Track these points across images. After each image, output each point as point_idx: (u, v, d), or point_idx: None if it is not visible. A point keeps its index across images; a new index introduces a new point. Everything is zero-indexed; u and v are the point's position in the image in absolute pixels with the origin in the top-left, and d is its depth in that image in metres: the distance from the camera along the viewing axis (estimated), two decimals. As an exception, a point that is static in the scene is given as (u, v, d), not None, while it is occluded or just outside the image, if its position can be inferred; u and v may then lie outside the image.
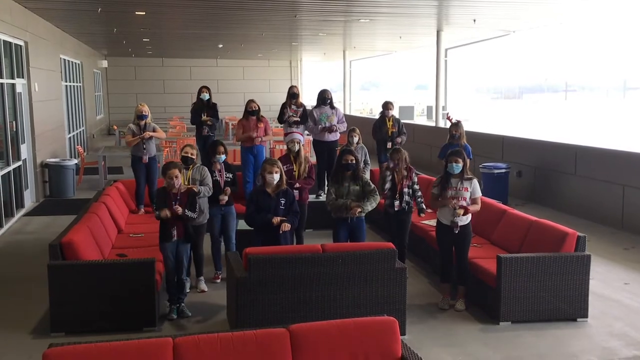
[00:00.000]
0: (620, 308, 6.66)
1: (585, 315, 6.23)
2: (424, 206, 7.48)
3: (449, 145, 9.23)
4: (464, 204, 6.35)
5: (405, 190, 7.16)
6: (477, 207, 6.47)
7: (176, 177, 6.11)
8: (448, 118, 9.85)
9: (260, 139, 9.83)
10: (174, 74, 29.75)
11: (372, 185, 6.82)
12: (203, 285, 7.02)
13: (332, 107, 10.39)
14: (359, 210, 6.61)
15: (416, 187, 7.29)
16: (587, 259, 6.21)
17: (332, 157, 9.94)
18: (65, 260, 5.87)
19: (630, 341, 5.82)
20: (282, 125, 10.85)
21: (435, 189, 6.53)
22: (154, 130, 9.72)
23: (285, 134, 8.75)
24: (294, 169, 7.48)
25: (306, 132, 10.61)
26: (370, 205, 6.68)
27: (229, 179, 7.24)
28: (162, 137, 10.07)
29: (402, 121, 11.49)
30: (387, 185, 7.14)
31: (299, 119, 10.22)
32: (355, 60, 28.07)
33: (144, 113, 9.63)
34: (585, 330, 6.06)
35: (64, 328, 5.80)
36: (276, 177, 6.28)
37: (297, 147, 7.57)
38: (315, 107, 10.41)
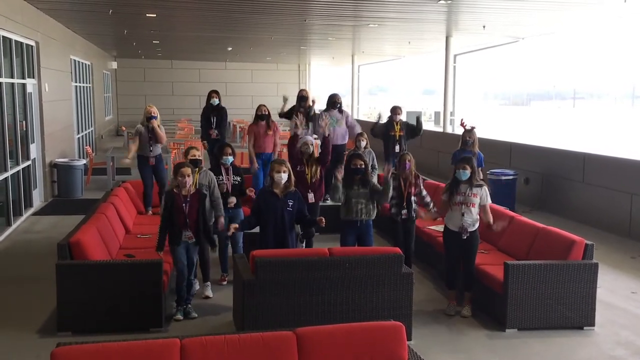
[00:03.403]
0: (627, 316, 6.64)
1: (592, 324, 6.21)
2: (433, 205, 7.39)
3: (461, 151, 9.16)
4: (473, 210, 6.36)
5: (413, 198, 7.17)
6: (490, 217, 6.51)
7: (188, 175, 6.14)
8: (462, 124, 9.72)
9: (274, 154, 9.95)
10: (183, 76, 29.86)
11: (380, 188, 6.83)
12: (209, 292, 6.96)
13: (341, 111, 10.42)
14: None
15: (423, 193, 7.28)
16: (594, 267, 6.19)
17: (340, 161, 9.95)
18: (73, 260, 5.90)
19: (637, 350, 5.79)
20: (289, 128, 10.90)
21: (444, 195, 6.54)
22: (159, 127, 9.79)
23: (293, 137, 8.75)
24: (307, 172, 7.47)
25: (314, 135, 10.63)
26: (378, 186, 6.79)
27: (237, 182, 7.25)
28: (161, 136, 9.83)
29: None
30: (392, 193, 7.16)
31: (306, 128, 10.30)
32: (363, 65, 28.09)
33: (152, 114, 9.66)
34: (592, 338, 6.04)
35: (71, 327, 5.82)
36: (284, 176, 6.25)
37: (310, 149, 7.57)
38: (325, 110, 10.46)
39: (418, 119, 10.78)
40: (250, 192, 7.20)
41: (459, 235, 6.39)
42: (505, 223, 6.69)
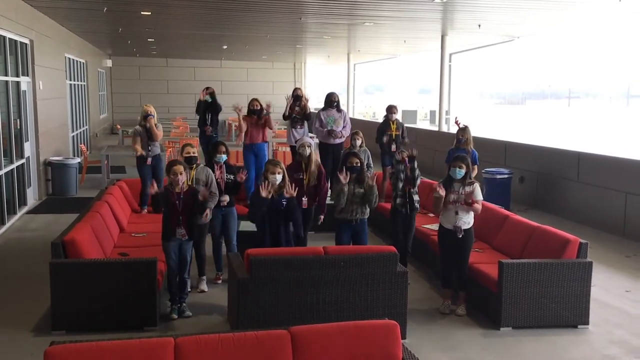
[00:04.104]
0: (621, 315, 6.66)
1: (586, 322, 6.22)
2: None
3: (456, 149, 9.19)
4: (466, 207, 6.36)
5: (415, 190, 7.20)
6: (478, 207, 6.43)
7: (180, 173, 6.13)
8: (456, 122, 9.78)
9: (265, 112, 9.91)
10: (178, 75, 29.78)
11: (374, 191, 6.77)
12: (204, 286, 7.03)
13: (339, 110, 10.46)
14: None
15: (417, 172, 7.22)
16: (588, 265, 6.20)
17: (337, 161, 9.97)
18: (67, 259, 5.88)
19: (631, 349, 5.81)
20: (285, 126, 10.93)
21: (437, 192, 6.53)
22: (156, 126, 9.78)
23: (296, 140, 8.76)
24: (305, 178, 7.41)
25: (310, 134, 10.64)
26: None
27: (230, 180, 7.25)
28: (157, 134, 9.88)
29: (405, 125, 11.49)
30: (399, 184, 7.16)
31: (299, 117, 10.37)
32: (359, 64, 28.08)
33: (149, 113, 9.70)
34: (586, 337, 6.06)
35: (65, 326, 5.81)
36: (279, 177, 6.28)
37: (308, 151, 7.52)
38: (322, 109, 10.50)
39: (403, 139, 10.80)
40: (240, 178, 7.12)
41: (453, 233, 6.40)
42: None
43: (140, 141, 9.71)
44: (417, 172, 7.19)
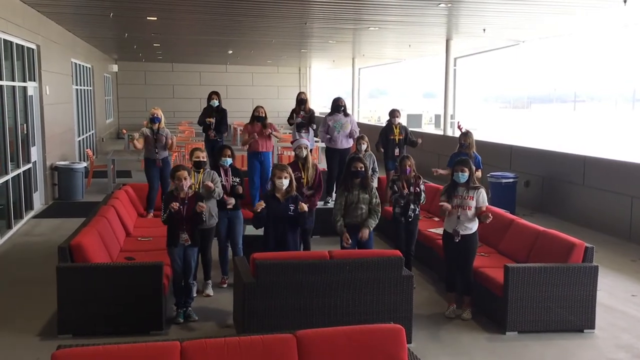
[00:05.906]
0: (627, 319, 6.64)
1: (592, 327, 6.21)
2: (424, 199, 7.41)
3: (458, 154, 9.21)
4: (469, 212, 6.36)
5: (412, 198, 7.18)
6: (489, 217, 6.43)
7: (185, 178, 6.16)
8: (459, 127, 9.81)
9: (269, 132, 9.83)
10: (184, 79, 29.89)
11: (376, 200, 6.77)
12: (209, 290, 7.05)
13: (346, 115, 10.49)
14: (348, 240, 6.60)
15: (422, 196, 7.27)
16: (594, 270, 6.19)
17: (344, 165, 9.98)
18: (73, 263, 5.91)
19: (637, 353, 5.80)
20: (290, 130, 10.95)
21: (442, 197, 6.55)
22: (169, 139, 9.83)
23: (292, 141, 8.80)
24: (302, 176, 7.52)
25: (315, 138, 10.64)
26: (373, 222, 6.70)
27: (236, 183, 7.27)
28: (169, 145, 9.97)
29: (410, 129, 11.50)
30: (397, 194, 7.17)
31: (304, 122, 10.39)
32: (364, 68, 28.11)
33: (156, 116, 9.75)
34: (592, 341, 6.04)
35: (71, 330, 5.83)
36: (285, 182, 6.30)
37: (304, 153, 7.62)
38: (329, 114, 10.51)
39: (411, 140, 10.82)
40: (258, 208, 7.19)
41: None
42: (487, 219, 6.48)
43: (146, 143, 9.74)
44: (422, 196, 7.23)
